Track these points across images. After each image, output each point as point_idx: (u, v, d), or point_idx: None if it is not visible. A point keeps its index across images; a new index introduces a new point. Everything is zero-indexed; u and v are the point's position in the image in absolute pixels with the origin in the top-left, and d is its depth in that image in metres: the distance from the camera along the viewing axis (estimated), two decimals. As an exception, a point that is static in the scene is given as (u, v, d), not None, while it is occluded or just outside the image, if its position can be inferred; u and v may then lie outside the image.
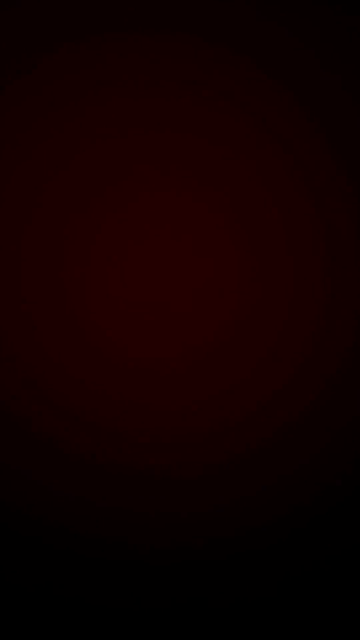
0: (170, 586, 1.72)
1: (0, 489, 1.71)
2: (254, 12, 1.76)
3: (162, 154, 1.77)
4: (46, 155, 1.77)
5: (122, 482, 1.72)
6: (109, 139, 1.77)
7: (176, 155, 1.77)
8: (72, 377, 1.73)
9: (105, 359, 1.74)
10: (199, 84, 1.76)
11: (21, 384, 1.73)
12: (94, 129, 1.77)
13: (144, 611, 1.71)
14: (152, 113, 1.77)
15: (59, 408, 1.72)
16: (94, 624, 1.71)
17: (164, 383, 1.74)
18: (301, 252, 1.76)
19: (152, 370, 1.74)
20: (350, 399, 1.74)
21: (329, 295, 1.76)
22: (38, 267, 1.76)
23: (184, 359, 1.74)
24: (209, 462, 1.73)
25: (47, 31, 1.77)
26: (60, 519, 1.71)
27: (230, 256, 1.76)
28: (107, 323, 1.74)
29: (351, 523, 1.73)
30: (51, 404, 1.72)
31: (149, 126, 1.77)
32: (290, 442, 1.73)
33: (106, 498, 1.72)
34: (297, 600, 1.72)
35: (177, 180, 1.77)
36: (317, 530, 1.73)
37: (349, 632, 1.72)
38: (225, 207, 1.77)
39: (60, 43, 1.77)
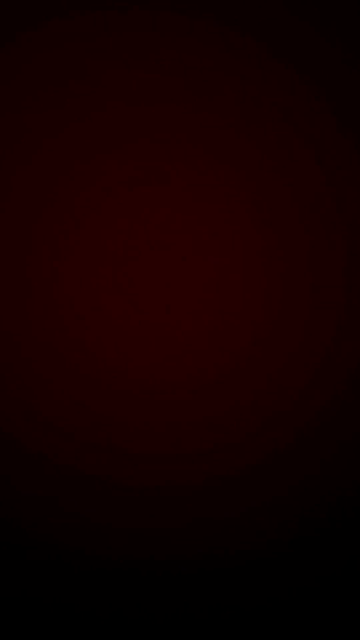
0: (168, 601, 1.73)
1: (3, 505, 1.72)
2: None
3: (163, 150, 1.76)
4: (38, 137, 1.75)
5: (124, 500, 1.73)
6: (106, 126, 1.75)
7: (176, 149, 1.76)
8: (71, 396, 1.73)
9: (107, 379, 1.74)
10: (199, 63, 1.75)
11: (22, 407, 1.73)
12: (93, 112, 1.75)
13: (141, 625, 1.72)
14: (151, 97, 1.75)
15: (61, 429, 1.73)
16: (93, 637, 1.72)
17: (166, 403, 1.73)
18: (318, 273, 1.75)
19: (154, 391, 1.74)
20: (353, 422, 1.75)
21: (345, 322, 1.75)
22: (36, 282, 1.74)
23: (187, 380, 1.74)
24: (209, 478, 1.74)
25: (43, 7, 1.75)
26: (62, 535, 1.72)
27: (235, 272, 1.75)
28: (111, 345, 1.74)
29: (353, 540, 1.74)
30: (53, 425, 1.73)
31: (149, 113, 1.75)
32: (289, 461, 1.74)
33: (108, 514, 1.73)
34: (295, 615, 1.73)
35: (180, 183, 1.76)
36: (318, 546, 1.74)
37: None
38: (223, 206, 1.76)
39: (57, 20, 1.75)
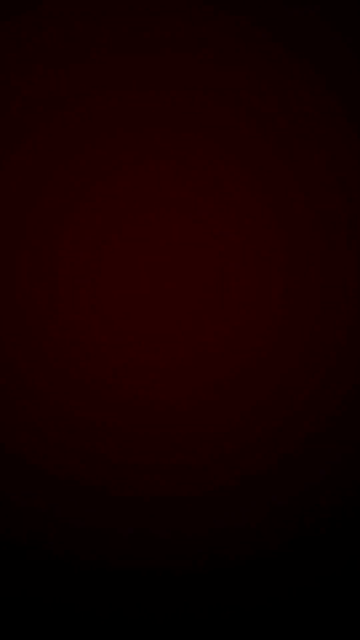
0: (167, 613, 1.73)
1: (7, 517, 1.72)
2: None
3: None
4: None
5: (123, 510, 1.73)
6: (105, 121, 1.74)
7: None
8: (70, 404, 1.73)
9: (105, 389, 1.73)
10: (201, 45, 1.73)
11: (17, 416, 1.72)
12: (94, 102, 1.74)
13: (139, 637, 1.73)
14: (152, 90, 1.74)
15: (60, 439, 1.73)
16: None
17: (166, 414, 1.73)
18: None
19: (154, 400, 1.73)
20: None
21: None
22: (34, 287, 1.73)
23: (187, 390, 1.73)
24: (209, 489, 1.74)
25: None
26: (60, 546, 1.72)
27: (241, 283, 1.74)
28: (110, 354, 1.73)
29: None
30: (51, 436, 1.73)
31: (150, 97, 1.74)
32: (290, 472, 1.75)
33: (108, 525, 1.73)
34: (293, 629, 1.74)
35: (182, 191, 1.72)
36: (318, 558, 1.75)
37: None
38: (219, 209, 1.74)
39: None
